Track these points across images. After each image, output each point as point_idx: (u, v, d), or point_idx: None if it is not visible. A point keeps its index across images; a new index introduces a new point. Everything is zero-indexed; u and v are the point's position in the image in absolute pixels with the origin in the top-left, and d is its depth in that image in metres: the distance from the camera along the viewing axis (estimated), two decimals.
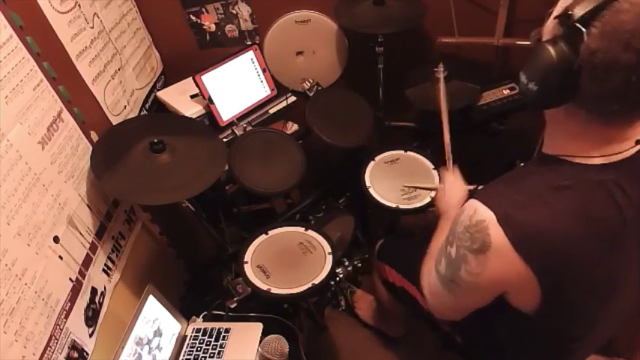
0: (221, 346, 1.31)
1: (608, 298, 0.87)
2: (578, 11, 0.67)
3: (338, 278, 1.65)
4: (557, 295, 0.81)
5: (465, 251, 0.82)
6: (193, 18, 1.83)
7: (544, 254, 0.76)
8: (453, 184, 1.27)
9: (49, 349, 1.03)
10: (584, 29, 0.67)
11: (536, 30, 0.79)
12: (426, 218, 1.45)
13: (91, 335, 1.19)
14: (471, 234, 0.80)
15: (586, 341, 0.95)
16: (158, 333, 1.26)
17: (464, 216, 0.82)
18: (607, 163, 0.77)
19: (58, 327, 1.08)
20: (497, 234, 0.76)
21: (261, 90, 1.78)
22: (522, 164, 0.91)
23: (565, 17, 0.69)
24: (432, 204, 1.43)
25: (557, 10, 0.73)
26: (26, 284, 1.00)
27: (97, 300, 1.24)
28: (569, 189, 0.77)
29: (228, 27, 1.85)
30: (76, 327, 1.14)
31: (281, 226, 1.47)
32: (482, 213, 0.78)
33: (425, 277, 1.04)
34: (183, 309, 1.42)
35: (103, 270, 1.31)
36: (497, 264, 0.79)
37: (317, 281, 1.27)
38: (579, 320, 0.88)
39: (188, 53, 1.90)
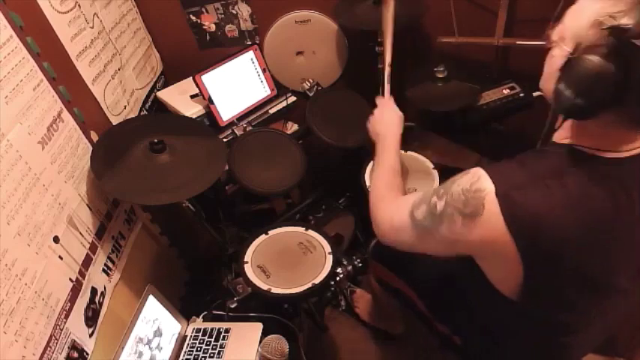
0: (221, 346, 1.31)
1: (604, 293, 0.87)
2: (638, 27, 0.65)
3: (338, 278, 1.65)
4: (541, 278, 0.82)
5: (454, 211, 0.83)
6: (193, 18, 1.83)
7: (534, 235, 0.77)
8: (387, 107, 1.29)
9: (49, 349, 1.03)
10: None
11: (554, 30, 0.78)
12: None
13: (91, 335, 1.19)
14: (466, 198, 0.81)
15: (582, 336, 0.95)
16: (158, 333, 1.26)
17: (465, 179, 0.83)
18: (616, 157, 0.78)
19: (58, 327, 1.08)
20: (492, 206, 0.77)
21: (261, 90, 1.78)
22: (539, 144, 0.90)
23: (620, 30, 0.67)
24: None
25: (599, 14, 0.70)
26: (26, 284, 1.00)
27: (97, 300, 1.24)
28: (571, 175, 0.78)
29: (228, 27, 1.85)
30: (76, 327, 1.14)
31: (281, 226, 1.47)
32: (484, 183, 0.79)
33: (389, 209, 1.04)
34: (183, 309, 1.42)
35: (103, 270, 1.31)
36: (482, 232, 0.80)
37: (317, 281, 1.27)
38: (567, 309, 0.88)
39: (188, 53, 1.90)
